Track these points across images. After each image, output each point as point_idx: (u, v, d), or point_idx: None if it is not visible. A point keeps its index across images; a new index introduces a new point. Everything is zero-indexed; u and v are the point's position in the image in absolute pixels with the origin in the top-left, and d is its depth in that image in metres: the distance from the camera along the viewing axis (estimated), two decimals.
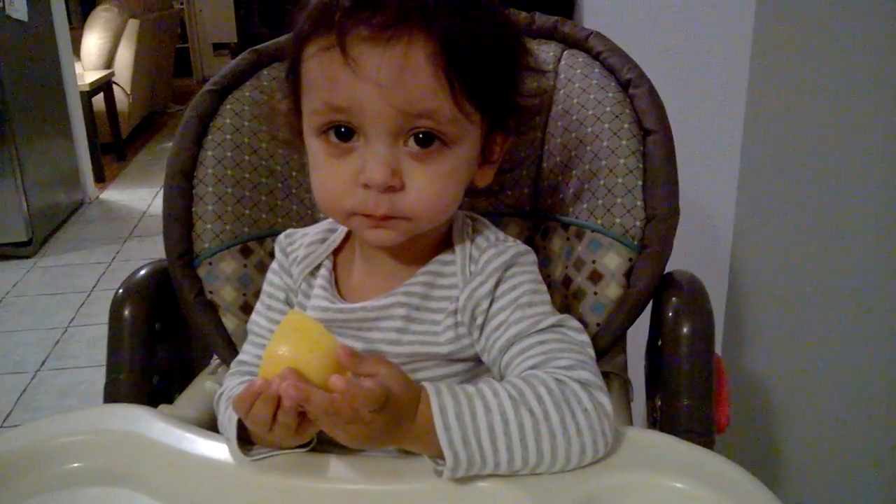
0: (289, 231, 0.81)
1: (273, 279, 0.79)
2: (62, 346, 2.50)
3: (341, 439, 0.59)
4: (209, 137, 0.89)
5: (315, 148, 0.67)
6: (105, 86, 4.29)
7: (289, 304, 0.78)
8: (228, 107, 0.90)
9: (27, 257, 3.18)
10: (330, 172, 0.66)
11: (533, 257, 0.74)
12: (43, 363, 2.40)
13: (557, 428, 0.60)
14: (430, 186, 0.64)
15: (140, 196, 3.96)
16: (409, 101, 0.61)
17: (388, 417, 0.57)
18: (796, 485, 1.40)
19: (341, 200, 0.66)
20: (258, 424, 0.61)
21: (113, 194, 4.06)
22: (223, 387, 0.76)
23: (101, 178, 4.12)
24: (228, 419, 0.68)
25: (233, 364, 0.80)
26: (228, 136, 0.89)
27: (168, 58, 5.70)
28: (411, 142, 0.63)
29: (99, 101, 4.25)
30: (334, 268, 0.76)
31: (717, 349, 1.34)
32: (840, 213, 1.25)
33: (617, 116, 0.86)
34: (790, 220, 1.27)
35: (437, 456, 0.60)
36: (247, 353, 0.79)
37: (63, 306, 2.76)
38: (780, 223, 1.27)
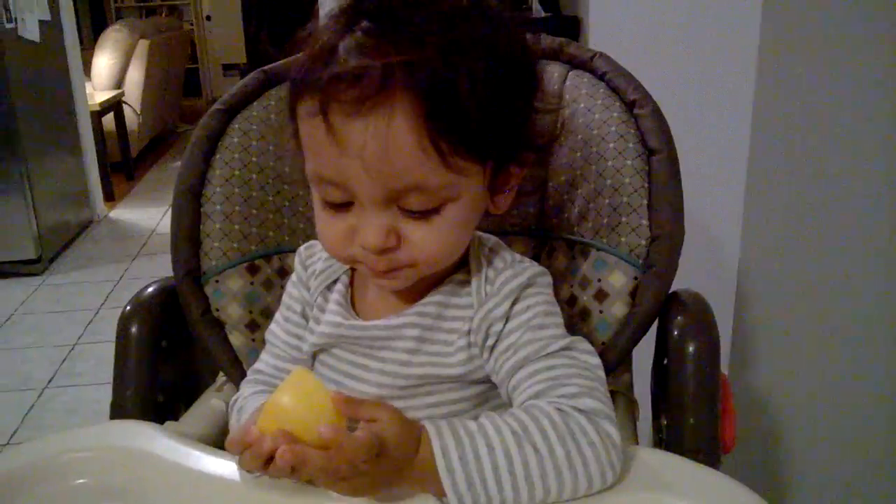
0: (310, 243, 0.81)
1: (292, 291, 0.79)
2: (70, 363, 2.51)
3: (341, 492, 0.57)
4: (217, 156, 0.90)
5: (315, 198, 0.66)
6: (115, 105, 4.34)
7: (304, 317, 0.78)
8: (237, 126, 0.91)
9: (36, 275, 3.20)
10: (328, 225, 0.66)
11: (549, 279, 0.73)
12: (50, 380, 2.40)
13: (563, 463, 0.58)
14: (430, 241, 0.64)
15: (149, 215, 3.99)
16: (395, 176, 0.59)
17: (387, 463, 0.56)
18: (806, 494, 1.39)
19: (341, 252, 0.66)
20: (248, 469, 0.59)
21: (122, 213, 4.09)
22: (238, 393, 0.76)
23: (110, 197, 4.16)
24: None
25: (249, 371, 0.80)
26: (237, 155, 0.90)
27: (178, 78, 5.76)
28: (406, 206, 0.62)
29: (109, 120, 4.30)
30: (351, 283, 0.76)
31: (724, 369, 1.34)
32: (847, 236, 1.25)
33: (622, 136, 0.86)
34: (797, 241, 1.27)
35: (442, 495, 0.58)
36: (263, 362, 0.79)
37: (71, 324, 2.77)
38: (786, 244, 1.28)
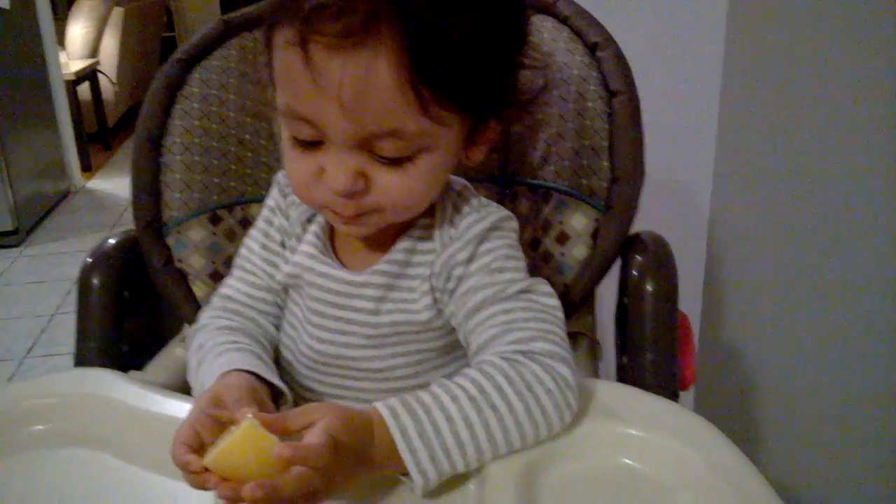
0: None
1: (272, 218, 0.77)
2: (49, 333, 2.50)
3: (318, 501, 0.53)
4: (177, 106, 0.89)
5: (284, 134, 0.64)
6: (90, 75, 4.28)
7: (282, 245, 0.75)
8: (196, 76, 0.90)
9: (13, 246, 3.18)
10: (296, 163, 0.63)
11: (514, 223, 0.72)
12: (29, 351, 2.40)
13: (523, 417, 0.58)
14: (400, 188, 0.62)
15: (126, 185, 3.80)
16: (373, 120, 0.57)
17: (347, 456, 0.53)
18: (769, 448, 1.41)
19: (309, 194, 0.64)
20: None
21: (99, 183, 4.05)
22: (200, 327, 0.73)
23: (87, 168, 4.12)
24: (201, 384, 0.66)
25: (216, 297, 0.77)
26: (196, 105, 0.89)
27: (154, 46, 5.67)
28: (378, 151, 0.60)
29: (84, 90, 4.23)
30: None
31: (697, 315, 1.35)
32: (818, 185, 1.26)
33: (584, 79, 0.86)
34: (767, 189, 1.27)
35: (407, 473, 0.56)
36: (234, 288, 0.76)
37: (49, 294, 2.76)
38: (756, 192, 1.28)
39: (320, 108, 0.57)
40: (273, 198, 0.77)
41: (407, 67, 0.55)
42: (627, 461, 0.60)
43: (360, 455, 0.55)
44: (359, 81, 0.55)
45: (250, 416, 0.52)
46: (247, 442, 0.51)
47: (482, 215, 0.70)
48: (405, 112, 0.57)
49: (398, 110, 0.57)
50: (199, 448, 0.54)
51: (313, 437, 0.52)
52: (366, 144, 0.59)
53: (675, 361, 0.78)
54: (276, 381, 0.65)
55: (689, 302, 1.33)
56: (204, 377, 0.65)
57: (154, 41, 5.71)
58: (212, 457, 0.52)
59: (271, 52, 0.61)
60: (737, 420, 1.41)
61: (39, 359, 2.35)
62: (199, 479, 0.52)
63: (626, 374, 0.80)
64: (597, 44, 0.87)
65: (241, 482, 0.50)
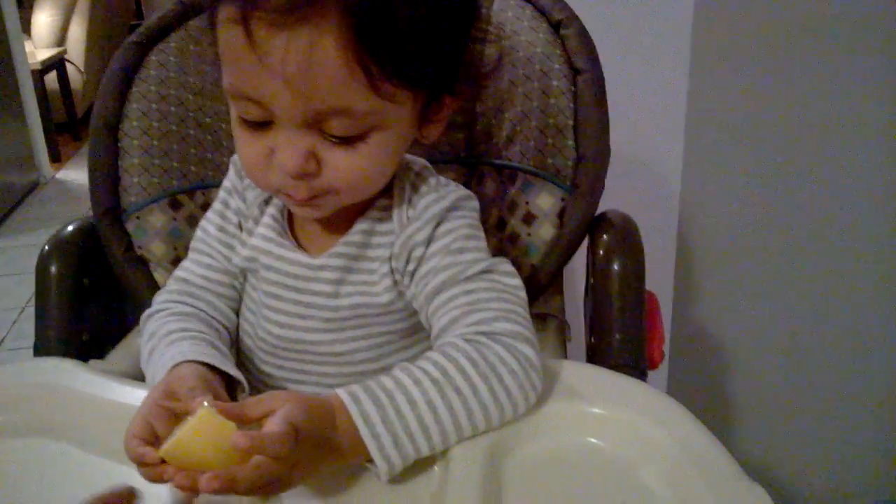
0: None
1: (228, 200, 0.75)
2: (20, 325, 2.47)
3: (280, 491, 0.53)
4: (134, 90, 0.87)
5: (233, 114, 0.62)
6: (57, 64, 4.20)
7: (239, 227, 0.74)
8: (153, 58, 0.88)
9: None
10: (245, 144, 0.62)
11: (474, 203, 0.72)
12: (1, 343, 2.36)
13: (487, 398, 0.58)
14: (352, 168, 0.60)
15: None
16: (320, 98, 0.55)
17: (308, 444, 0.51)
18: (742, 428, 1.42)
19: (261, 177, 0.63)
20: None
21: (69, 174, 3.99)
22: (154, 308, 0.72)
23: (56, 158, 4.05)
24: (152, 375, 0.64)
25: (171, 280, 0.75)
26: (153, 88, 0.87)
27: (123, 34, 5.55)
28: (328, 130, 0.58)
29: (52, 79, 4.16)
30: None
31: (669, 296, 1.36)
32: (787, 165, 1.26)
33: (548, 57, 0.85)
34: (739, 162, 1.27)
35: (371, 460, 0.55)
36: (189, 270, 0.74)
37: (20, 286, 2.72)
38: (728, 167, 1.28)
39: (265, 87, 0.56)
40: (230, 179, 0.76)
41: (353, 42, 0.53)
42: (593, 440, 0.60)
43: (322, 443, 0.53)
44: (303, 58, 0.53)
45: (206, 403, 0.50)
46: (203, 430, 0.50)
47: (441, 195, 0.69)
48: (353, 89, 0.55)
49: (345, 87, 0.55)
50: (154, 441, 0.52)
51: (273, 426, 0.50)
52: (315, 124, 0.58)
53: (643, 341, 0.78)
54: (230, 370, 0.64)
55: (661, 282, 1.34)
56: (155, 368, 0.64)
57: (122, 29, 5.60)
58: (167, 446, 0.50)
59: (215, 30, 0.59)
60: (709, 400, 1.42)
61: (10, 352, 2.32)
62: (155, 471, 0.51)
63: (594, 355, 0.80)
64: (560, 21, 0.86)
65: (199, 472, 0.48)
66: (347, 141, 0.59)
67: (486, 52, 0.73)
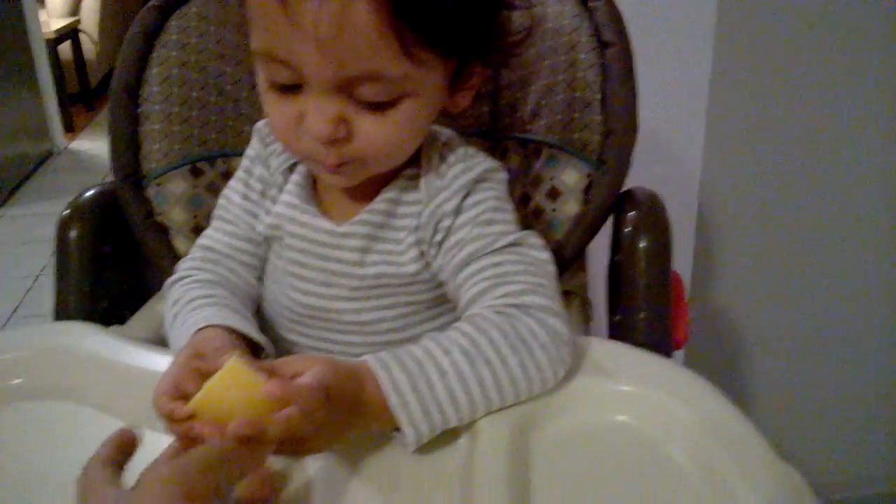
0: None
1: (251, 167, 0.75)
2: (33, 294, 2.48)
3: (304, 453, 0.53)
4: (154, 55, 0.86)
5: (261, 78, 0.61)
6: (71, 34, 4.19)
7: (263, 195, 0.73)
8: (174, 23, 0.87)
9: None
10: (274, 109, 0.61)
11: (503, 175, 0.71)
12: (14, 312, 2.38)
13: (517, 371, 0.57)
14: (382, 135, 0.59)
15: None
16: (352, 62, 0.54)
17: (337, 406, 0.50)
18: (759, 408, 1.41)
19: (291, 143, 0.62)
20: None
21: (82, 144, 3.99)
22: (178, 275, 0.71)
23: (70, 128, 4.05)
24: (176, 340, 0.64)
25: (195, 248, 0.75)
26: (174, 53, 0.86)
27: (136, 4, 5.54)
28: (359, 96, 0.57)
29: (65, 49, 4.15)
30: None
31: (688, 275, 1.34)
32: (813, 135, 1.24)
33: (576, 29, 0.83)
34: (760, 143, 1.26)
35: (398, 429, 0.55)
36: (213, 238, 0.74)
37: (33, 255, 2.73)
38: (747, 156, 1.26)
39: (296, 49, 0.55)
40: (253, 147, 0.75)
41: (386, 6, 0.52)
42: (621, 417, 0.59)
43: (351, 407, 0.52)
44: (336, 20, 0.52)
45: (235, 357, 0.49)
46: (232, 381, 0.48)
47: (469, 165, 0.68)
48: (385, 53, 0.54)
49: (378, 51, 0.54)
50: (182, 400, 0.51)
51: (304, 378, 0.50)
52: (346, 88, 0.57)
53: (668, 319, 0.77)
54: (255, 334, 0.63)
55: (680, 261, 1.33)
56: (179, 333, 0.63)
57: (136, 0, 5.59)
58: (196, 399, 0.49)
59: None
60: (726, 380, 1.41)
61: (24, 319, 2.34)
62: (184, 427, 0.49)
63: (618, 333, 0.78)
64: None
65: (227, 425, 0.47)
66: (378, 107, 0.58)
67: (517, 20, 0.72)
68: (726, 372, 1.41)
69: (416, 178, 0.69)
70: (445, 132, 0.72)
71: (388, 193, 0.68)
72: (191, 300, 0.67)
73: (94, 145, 3.95)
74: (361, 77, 0.56)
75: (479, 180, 0.68)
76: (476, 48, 0.62)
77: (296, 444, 0.49)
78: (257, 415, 0.48)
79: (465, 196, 0.67)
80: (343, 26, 0.52)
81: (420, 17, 0.54)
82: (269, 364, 0.52)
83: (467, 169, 0.68)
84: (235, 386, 0.48)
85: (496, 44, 0.65)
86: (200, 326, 0.61)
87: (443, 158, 0.69)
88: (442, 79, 0.61)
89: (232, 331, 0.62)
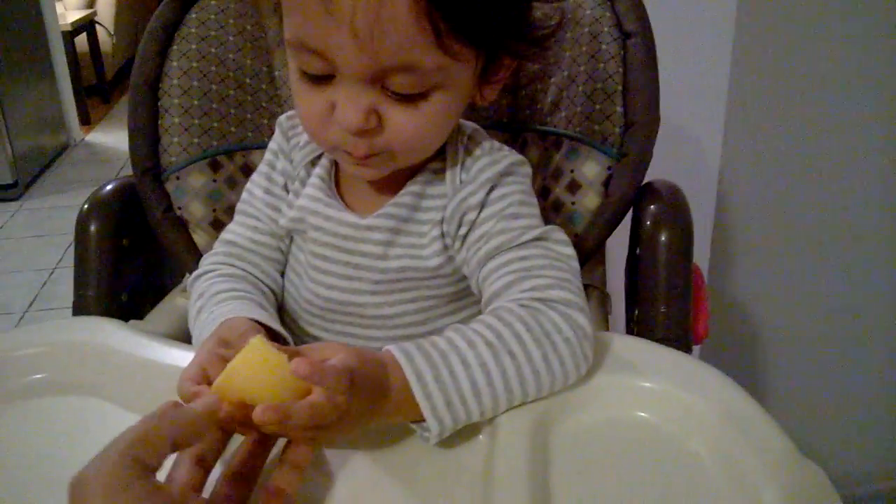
0: (292, 112, 0.75)
1: (274, 162, 0.74)
2: (49, 287, 2.50)
3: (327, 439, 0.52)
4: (174, 48, 0.86)
5: (292, 67, 0.61)
6: (88, 26, 4.21)
7: (286, 189, 0.73)
8: (194, 15, 0.87)
9: (13, 199, 3.16)
10: (305, 99, 0.60)
11: (527, 169, 0.70)
12: (31, 305, 2.39)
13: (540, 365, 0.56)
14: (412, 127, 0.59)
15: (126, 138, 3.90)
16: (387, 52, 0.54)
17: (362, 393, 0.50)
18: (776, 405, 1.40)
19: (320, 133, 0.61)
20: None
21: (99, 136, 4.01)
22: (203, 269, 0.72)
23: (86, 121, 4.08)
24: (200, 332, 0.65)
25: (218, 243, 0.75)
26: (194, 47, 0.86)
27: None
28: (391, 87, 0.57)
29: (82, 41, 4.17)
30: (336, 161, 0.71)
31: (705, 269, 1.33)
32: (831, 130, 1.23)
33: (597, 20, 0.82)
34: (779, 136, 1.24)
35: (419, 420, 0.54)
36: (236, 233, 0.74)
37: (50, 248, 2.75)
38: (768, 141, 1.25)
39: (331, 38, 0.54)
40: (276, 141, 0.75)
41: None
42: (642, 414, 0.58)
43: (374, 395, 0.52)
44: (373, 9, 0.52)
45: (258, 336, 0.49)
46: (255, 360, 0.48)
47: (495, 159, 0.68)
48: (420, 44, 0.54)
49: (413, 42, 0.54)
50: (206, 385, 0.52)
51: (331, 361, 0.49)
52: (378, 79, 0.56)
53: (689, 314, 0.76)
54: (277, 327, 0.63)
55: (697, 255, 1.32)
56: (203, 325, 0.64)
57: None
58: (220, 379, 0.48)
59: None
60: (742, 373, 1.40)
61: (41, 312, 2.35)
62: (213, 410, 0.48)
63: (638, 327, 0.78)
64: None
65: (250, 406, 0.46)
66: (409, 99, 0.58)
67: (547, 13, 0.71)
68: (741, 364, 1.40)
69: (440, 171, 0.68)
70: (468, 125, 0.72)
71: (412, 187, 0.68)
72: (215, 293, 0.67)
73: (111, 138, 3.97)
74: (396, 68, 0.55)
75: (504, 174, 0.67)
76: (507, 40, 0.62)
77: (318, 431, 0.49)
78: (279, 397, 0.47)
79: (490, 189, 0.67)
80: (380, 16, 0.52)
81: (455, 8, 0.54)
82: (294, 349, 0.52)
83: (493, 162, 0.68)
84: (258, 365, 0.48)
85: (527, 36, 0.64)
86: (225, 318, 0.61)
87: (468, 152, 0.69)
88: (472, 71, 0.61)
89: (256, 323, 0.62)
